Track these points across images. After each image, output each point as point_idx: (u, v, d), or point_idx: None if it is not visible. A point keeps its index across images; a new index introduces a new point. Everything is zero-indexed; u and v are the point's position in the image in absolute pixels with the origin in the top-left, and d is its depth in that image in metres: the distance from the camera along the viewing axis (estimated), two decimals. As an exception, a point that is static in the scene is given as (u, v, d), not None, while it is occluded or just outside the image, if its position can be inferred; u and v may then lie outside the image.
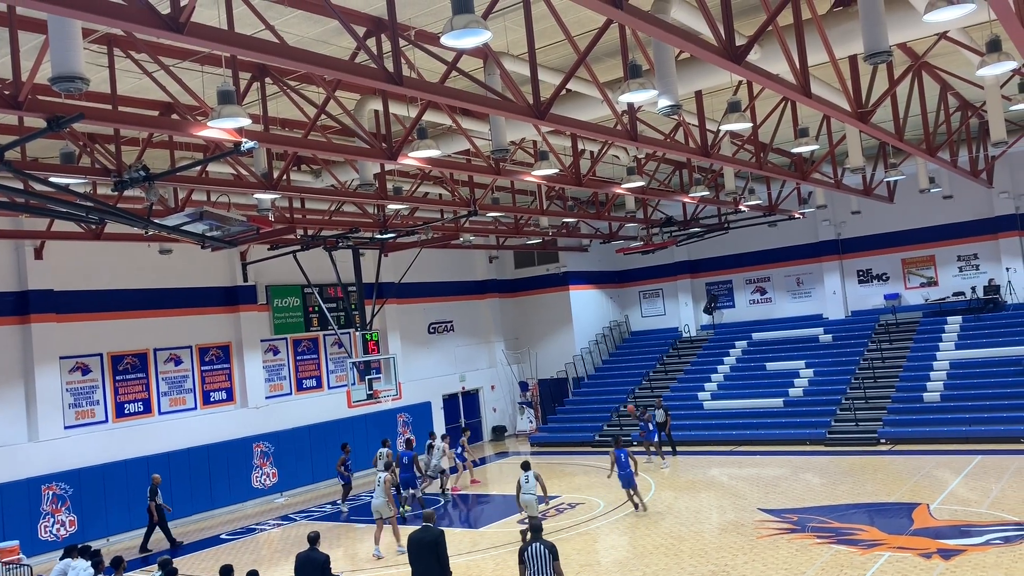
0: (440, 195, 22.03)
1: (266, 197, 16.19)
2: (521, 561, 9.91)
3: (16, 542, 17.16)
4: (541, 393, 32.90)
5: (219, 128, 10.02)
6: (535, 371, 33.51)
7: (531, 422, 32.15)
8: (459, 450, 23.36)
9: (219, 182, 14.81)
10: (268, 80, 12.47)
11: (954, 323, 27.06)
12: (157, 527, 19.00)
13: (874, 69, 13.04)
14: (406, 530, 14.91)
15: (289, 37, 11.06)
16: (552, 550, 9.87)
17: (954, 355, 25.59)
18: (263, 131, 12.32)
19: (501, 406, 32.85)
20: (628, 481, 17.65)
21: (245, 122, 9.53)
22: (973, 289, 27.77)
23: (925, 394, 24.27)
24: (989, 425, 21.91)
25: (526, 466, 16.64)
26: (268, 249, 23.11)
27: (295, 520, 20.88)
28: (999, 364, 24.36)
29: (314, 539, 11.58)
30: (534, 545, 9.91)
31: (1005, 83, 16.03)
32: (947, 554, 13.11)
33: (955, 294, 28.18)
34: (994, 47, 10.08)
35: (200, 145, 15.48)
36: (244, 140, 10.60)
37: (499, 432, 32.16)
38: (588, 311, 33.87)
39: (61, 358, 20.09)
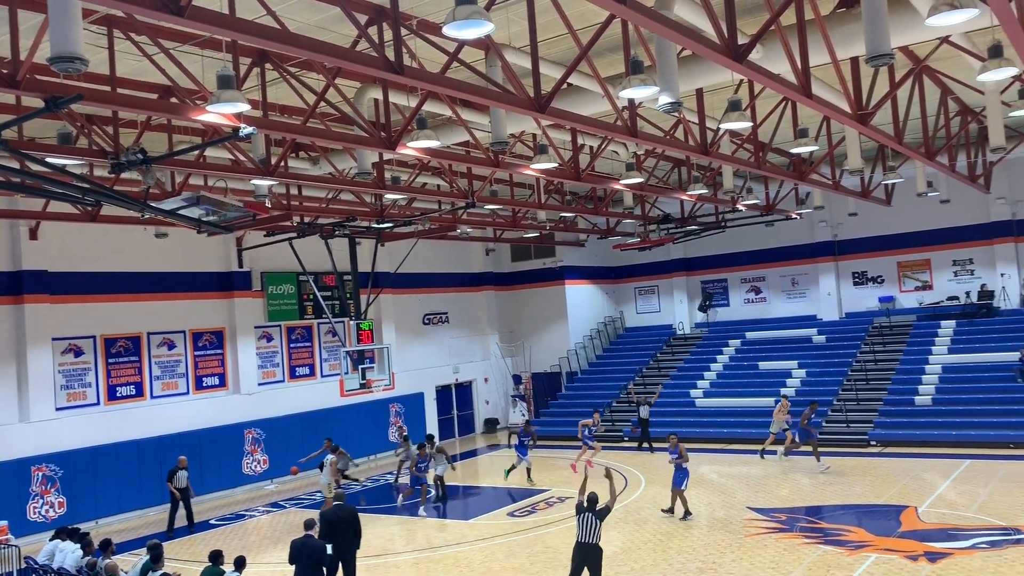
0: (438, 186, 22.01)
1: (263, 183, 16.15)
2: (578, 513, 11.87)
3: (4, 522, 17.12)
4: (534, 387, 32.92)
5: (218, 113, 9.97)
6: (529, 365, 33.53)
7: (523, 415, 32.14)
8: (588, 432, 22.70)
9: (216, 167, 14.77)
10: (268, 66, 12.41)
11: (948, 327, 27.13)
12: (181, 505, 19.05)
13: (875, 71, 13.05)
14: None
15: (290, 23, 11.00)
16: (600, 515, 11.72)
17: (947, 359, 25.67)
18: (262, 117, 12.28)
19: (494, 399, 32.88)
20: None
21: (244, 107, 9.49)
22: (967, 294, 27.85)
23: (917, 397, 24.34)
24: (979, 430, 22.00)
25: None
26: (264, 235, 23.05)
27: (285, 507, 20.89)
28: (991, 369, 24.45)
29: (310, 525, 11.61)
30: (585, 514, 11.73)
31: (1005, 89, 16.04)
32: (934, 557, 13.18)
33: (949, 298, 28.25)
34: (995, 53, 10.08)
35: (198, 129, 15.42)
36: (243, 125, 10.56)
37: (491, 424, 32.19)
38: (583, 306, 33.89)
39: (54, 339, 20.03)
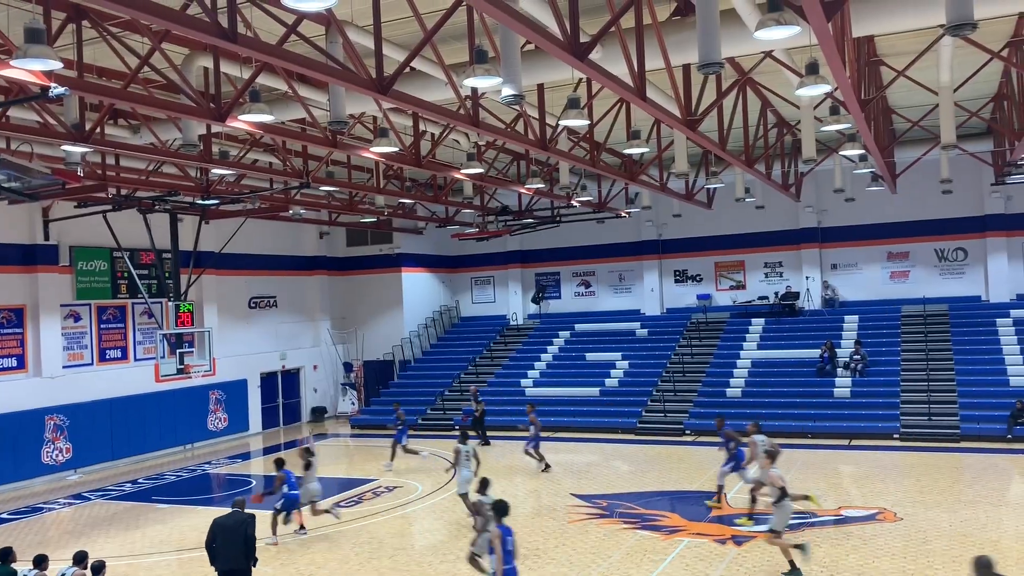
0: (271, 163, 21.15)
1: (75, 150, 14.86)
2: None
3: None
4: (366, 375, 32.45)
5: (24, 69, 9.04)
6: (361, 352, 32.99)
7: (353, 404, 31.64)
8: None
9: (21, 128, 13.43)
10: (86, 23, 11.43)
11: (757, 325, 29.11)
12: None
13: (704, 80, 13.71)
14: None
15: (112, -22, 10.15)
16: None
17: (756, 354, 27.54)
18: (77, 78, 11.29)
19: (323, 387, 32.11)
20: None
21: (56, 65, 8.65)
22: (776, 294, 29.99)
23: (728, 389, 25.95)
24: (782, 421, 23.70)
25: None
26: (75, 207, 21.28)
27: (89, 499, 19.46)
28: (794, 365, 26.48)
29: (239, 503, 11.10)
30: None
31: (818, 105, 17.30)
32: (739, 540, 14.07)
33: (760, 298, 30.32)
34: (812, 70, 10.81)
35: (1, 87, 13.99)
36: (53, 85, 9.65)
37: (319, 413, 31.42)
38: (419, 294, 33.74)
39: None
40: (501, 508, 10.14)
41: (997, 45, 14.79)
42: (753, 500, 15.08)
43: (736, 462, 16.28)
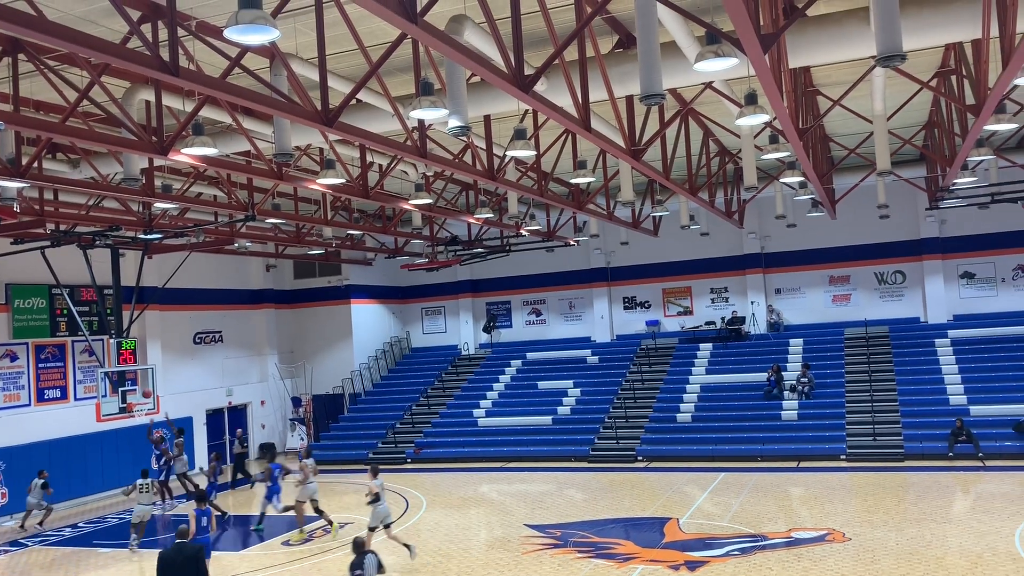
0: (215, 196, 20.88)
1: (11, 185, 14.48)
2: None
3: None
4: (315, 409, 31.94)
5: (-44, 103, 8.83)
6: (310, 386, 32.50)
7: (302, 439, 31.09)
8: None
9: (-47, 164, 13.08)
10: (22, 56, 11.21)
11: (705, 350, 29.46)
12: None
13: (647, 110, 13.94)
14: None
15: (50, 12, 10.01)
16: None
17: (704, 379, 27.83)
18: (12, 111, 11.06)
19: (271, 422, 31.51)
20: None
21: (-11, 99, 8.47)
22: (723, 319, 30.43)
23: (678, 415, 26.15)
24: (732, 444, 23.99)
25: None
26: (11, 243, 20.69)
27: (27, 545, 18.74)
28: (742, 389, 26.82)
29: (183, 533, 10.83)
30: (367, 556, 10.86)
31: (758, 134, 17.72)
32: (693, 565, 14.11)
33: (707, 323, 30.73)
34: (751, 100, 11.08)
35: (-68, 120, 13.58)
36: (-13, 119, 9.43)
37: (267, 450, 30.77)
38: (369, 326, 33.44)
39: None
40: (200, 495, 14.60)
41: (926, 75, 15.37)
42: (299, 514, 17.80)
43: (272, 493, 18.78)
